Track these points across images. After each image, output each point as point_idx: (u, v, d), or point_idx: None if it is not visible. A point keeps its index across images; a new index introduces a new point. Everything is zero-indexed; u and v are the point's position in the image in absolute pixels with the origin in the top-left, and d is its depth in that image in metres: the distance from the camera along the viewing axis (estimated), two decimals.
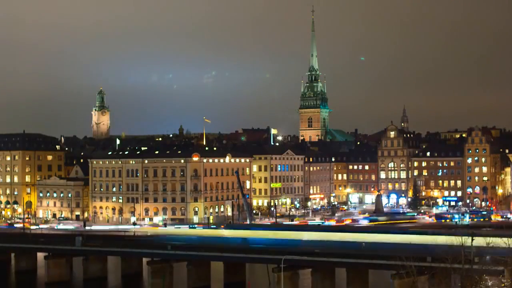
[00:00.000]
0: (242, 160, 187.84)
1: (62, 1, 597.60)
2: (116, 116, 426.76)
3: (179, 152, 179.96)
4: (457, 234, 73.61)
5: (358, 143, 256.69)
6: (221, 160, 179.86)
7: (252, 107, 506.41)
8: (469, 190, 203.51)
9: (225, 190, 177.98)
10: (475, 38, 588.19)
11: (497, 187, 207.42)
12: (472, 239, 72.56)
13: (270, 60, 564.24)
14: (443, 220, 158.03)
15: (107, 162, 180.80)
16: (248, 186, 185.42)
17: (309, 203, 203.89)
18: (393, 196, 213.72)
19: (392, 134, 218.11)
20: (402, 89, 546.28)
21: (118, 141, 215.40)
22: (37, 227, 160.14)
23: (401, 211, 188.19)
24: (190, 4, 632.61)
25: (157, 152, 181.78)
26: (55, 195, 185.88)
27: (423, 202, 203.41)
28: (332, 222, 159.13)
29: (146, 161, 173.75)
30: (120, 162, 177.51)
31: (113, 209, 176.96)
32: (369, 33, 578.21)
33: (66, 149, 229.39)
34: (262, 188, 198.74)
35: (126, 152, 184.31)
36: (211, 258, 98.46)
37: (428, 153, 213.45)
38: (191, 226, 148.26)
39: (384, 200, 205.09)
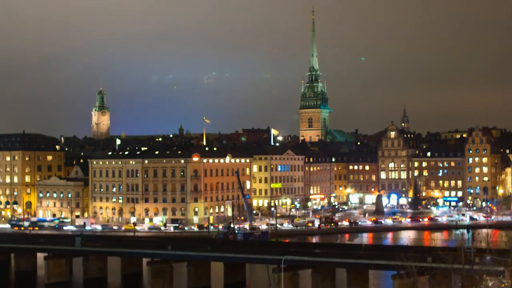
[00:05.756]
0: (242, 160, 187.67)
1: (61, 2, 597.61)
2: (116, 116, 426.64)
3: (179, 152, 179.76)
4: None
5: (359, 143, 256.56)
6: (221, 160, 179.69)
7: (252, 107, 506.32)
8: (470, 190, 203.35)
9: (225, 191, 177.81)
10: (476, 38, 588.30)
11: (497, 188, 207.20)
12: (473, 239, 72.49)
13: (270, 60, 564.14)
14: None
15: (107, 162, 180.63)
16: (248, 187, 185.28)
17: (309, 204, 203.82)
18: (394, 197, 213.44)
19: (393, 134, 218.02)
20: (402, 89, 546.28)
21: (118, 141, 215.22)
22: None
23: None
24: (190, 4, 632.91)
25: (157, 152, 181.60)
26: (55, 195, 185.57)
27: (424, 202, 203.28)
28: None
29: (146, 161, 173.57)
30: (120, 162, 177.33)
31: (113, 209, 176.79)
32: (369, 33, 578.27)
33: (66, 149, 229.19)
34: (262, 188, 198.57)
35: (126, 152, 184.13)
36: (211, 258, 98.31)
37: (428, 153, 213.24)
38: None
39: (385, 200, 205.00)
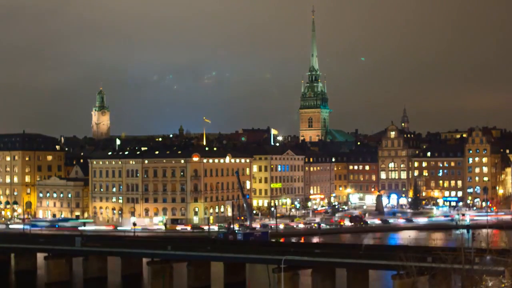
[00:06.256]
0: (242, 160, 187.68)
1: (60, 2, 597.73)
2: (116, 116, 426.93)
3: (179, 152, 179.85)
4: None
5: (359, 143, 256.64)
6: (221, 160, 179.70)
7: (252, 107, 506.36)
8: (470, 190, 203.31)
9: (225, 191, 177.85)
10: (476, 38, 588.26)
11: (497, 188, 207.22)
12: (473, 239, 72.48)
13: (270, 60, 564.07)
14: None
15: (107, 162, 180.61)
16: (248, 187, 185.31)
17: (309, 204, 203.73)
18: (394, 197, 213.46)
19: (393, 134, 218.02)
20: (402, 89, 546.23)
21: (118, 141, 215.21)
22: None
23: None
24: (190, 4, 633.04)
25: (157, 152, 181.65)
26: (55, 195, 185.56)
27: (424, 202, 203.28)
28: None
29: (146, 161, 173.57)
30: (120, 162, 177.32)
31: (113, 209, 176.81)
32: (369, 33, 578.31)
33: (66, 149, 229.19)
34: (262, 188, 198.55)
35: (126, 152, 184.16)
36: (211, 258, 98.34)
37: (428, 153, 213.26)
38: None
39: (385, 200, 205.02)
